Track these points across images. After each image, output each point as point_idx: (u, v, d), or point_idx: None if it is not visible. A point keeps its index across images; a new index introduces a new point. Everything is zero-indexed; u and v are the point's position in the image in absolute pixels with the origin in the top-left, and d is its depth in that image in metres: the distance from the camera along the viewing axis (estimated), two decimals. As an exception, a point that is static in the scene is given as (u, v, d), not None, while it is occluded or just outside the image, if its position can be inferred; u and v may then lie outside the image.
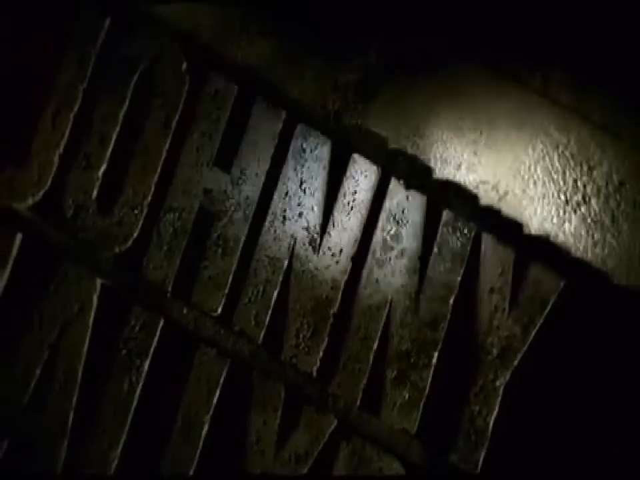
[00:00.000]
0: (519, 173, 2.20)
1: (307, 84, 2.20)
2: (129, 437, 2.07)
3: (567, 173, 2.17)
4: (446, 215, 2.17)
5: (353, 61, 2.20)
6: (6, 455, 2.07)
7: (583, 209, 2.19)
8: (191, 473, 2.05)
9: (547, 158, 2.16)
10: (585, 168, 2.19)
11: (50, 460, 2.07)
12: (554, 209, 2.18)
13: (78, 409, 2.06)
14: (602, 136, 2.19)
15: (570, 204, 2.18)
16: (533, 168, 2.17)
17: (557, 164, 2.18)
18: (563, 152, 2.20)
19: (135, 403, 2.07)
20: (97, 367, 2.08)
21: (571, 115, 2.19)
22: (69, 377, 2.08)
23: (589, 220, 2.18)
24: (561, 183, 2.17)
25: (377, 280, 2.13)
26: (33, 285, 2.10)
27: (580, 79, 2.19)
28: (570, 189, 2.18)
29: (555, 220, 2.17)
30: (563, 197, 2.18)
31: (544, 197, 2.19)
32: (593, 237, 2.18)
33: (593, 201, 2.19)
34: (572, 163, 2.19)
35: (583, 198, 2.18)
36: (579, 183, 2.19)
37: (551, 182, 2.18)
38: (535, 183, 2.17)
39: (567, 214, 2.18)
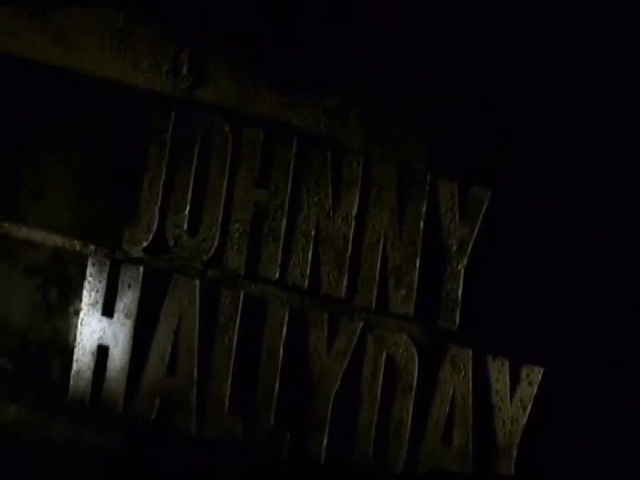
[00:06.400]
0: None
1: (305, 113, 2.92)
2: (234, 372, 2.96)
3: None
4: (410, 174, 2.93)
5: (335, 91, 2.88)
6: (158, 410, 3.02)
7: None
8: (277, 380, 2.94)
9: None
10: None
11: (185, 405, 2.93)
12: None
13: (199, 367, 2.92)
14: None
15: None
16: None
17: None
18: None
19: (234, 350, 2.88)
20: (205, 335, 2.86)
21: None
22: (190, 347, 2.86)
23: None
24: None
25: (372, 225, 2.95)
26: (156, 296, 2.91)
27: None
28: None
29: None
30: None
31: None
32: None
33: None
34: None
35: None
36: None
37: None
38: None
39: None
